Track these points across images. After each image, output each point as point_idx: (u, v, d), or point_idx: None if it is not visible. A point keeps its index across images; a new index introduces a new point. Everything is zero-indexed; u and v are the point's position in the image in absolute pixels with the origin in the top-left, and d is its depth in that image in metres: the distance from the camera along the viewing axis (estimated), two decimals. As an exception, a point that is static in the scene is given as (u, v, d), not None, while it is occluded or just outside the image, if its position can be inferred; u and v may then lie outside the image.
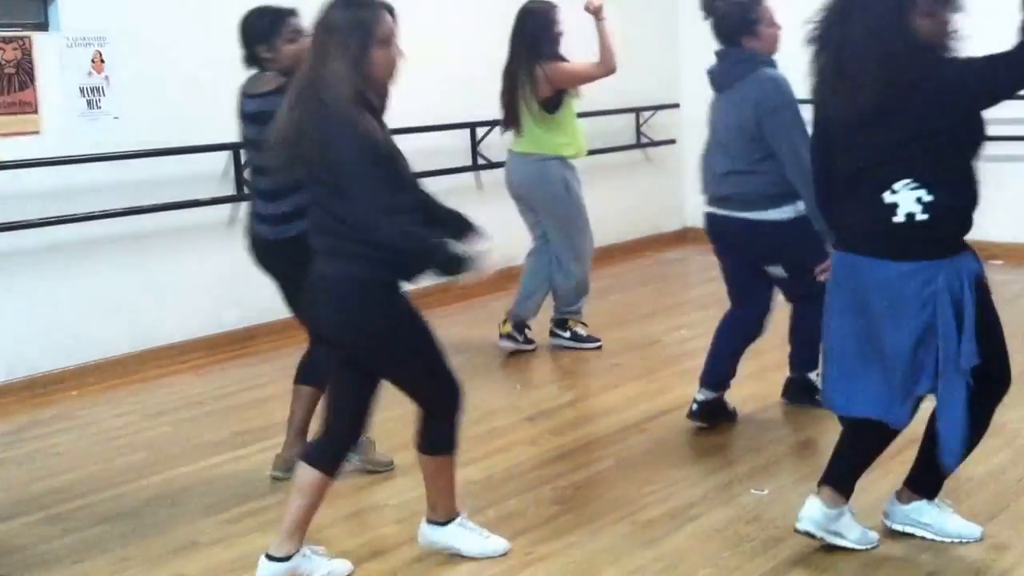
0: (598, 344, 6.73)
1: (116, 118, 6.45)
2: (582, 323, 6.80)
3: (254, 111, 4.67)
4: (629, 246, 9.47)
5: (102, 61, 6.38)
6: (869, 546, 3.92)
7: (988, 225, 4.27)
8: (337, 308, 3.66)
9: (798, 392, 5.42)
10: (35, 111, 6.09)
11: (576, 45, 6.59)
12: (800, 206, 4.87)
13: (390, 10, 3.64)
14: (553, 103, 6.43)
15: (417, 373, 3.80)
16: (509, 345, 6.69)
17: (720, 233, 5.14)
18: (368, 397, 3.81)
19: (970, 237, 3.63)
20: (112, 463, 5.06)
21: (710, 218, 5.14)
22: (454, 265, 3.59)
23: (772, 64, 5.01)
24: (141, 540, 4.28)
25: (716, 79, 5.16)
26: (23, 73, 6.03)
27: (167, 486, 4.82)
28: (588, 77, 6.49)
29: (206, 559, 4.09)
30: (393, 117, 3.71)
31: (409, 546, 4.09)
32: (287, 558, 3.75)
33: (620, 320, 7.29)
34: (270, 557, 3.76)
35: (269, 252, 4.71)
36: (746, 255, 5.14)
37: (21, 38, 6.02)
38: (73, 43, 6.25)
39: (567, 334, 6.75)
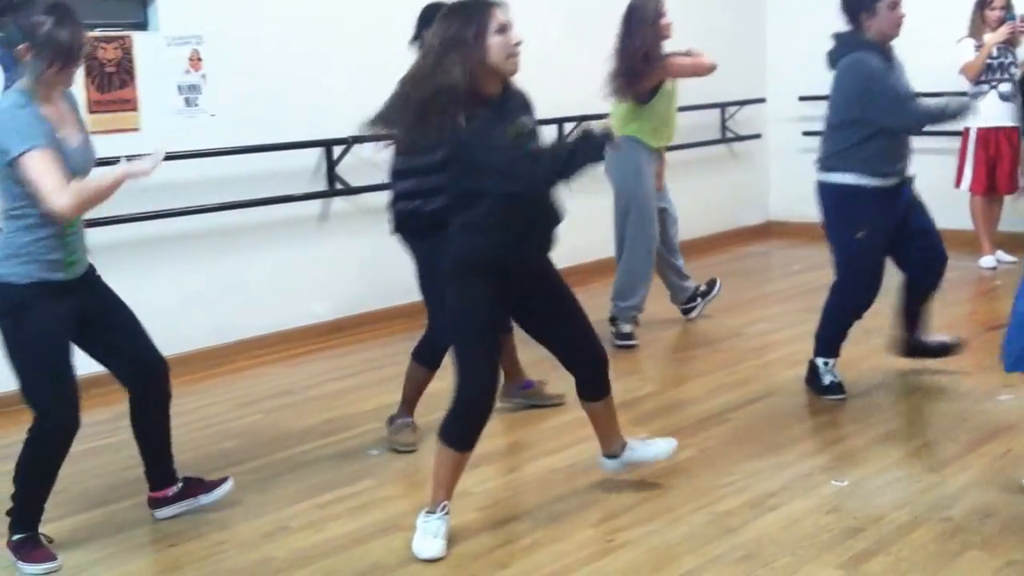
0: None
1: (212, 115, 6.63)
2: (633, 321, 6.79)
3: None
4: (713, 240, 9.48)
5: (199, 59, 6.56)
6: None
7: None
8: None
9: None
10: (135, 108, 6.28)
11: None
12: (842, 176, 5.28)
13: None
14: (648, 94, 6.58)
15: None
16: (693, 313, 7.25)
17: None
18: None
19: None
20: (205, 451, 5.22)
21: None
22: None
23: (869, 48, 5.27)
24: (233, 525, 4.42)
25: (829, 59, 5.48)
26: (123, 72, 6.22)
27: (258, 473, 4.95)
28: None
29: (295, 543, 4.21)
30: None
31: (491, 533, 4.21)
32: (615, 455, 4.51)
33: (703, 312, 7.32)
34: (606, 456, 4.53)
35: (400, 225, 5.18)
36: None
37: (121, 38, 6.22)
38: (171, 42, 6.44)
39: (612, 329, 6.75)
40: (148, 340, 4.35)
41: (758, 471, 4.66)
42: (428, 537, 4.03)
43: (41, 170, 3.79)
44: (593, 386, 4.38)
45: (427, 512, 4.08)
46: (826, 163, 5.37)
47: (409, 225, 5.01)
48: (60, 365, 4.07)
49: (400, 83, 4.08)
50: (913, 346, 5.74)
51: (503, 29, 3.82)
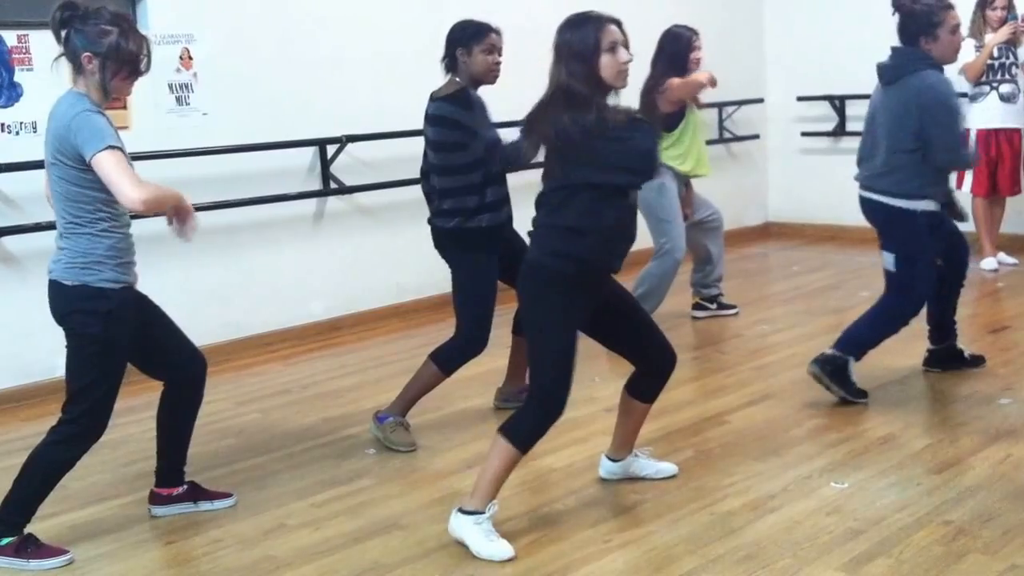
0: None
1: (205, 114, 6.62)
2: None
3: (430, 113, 5.04)
4: (711, 241, 9.48)
5: (190, 58, 6.53)
6: None
7: None
8: None
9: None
10: (124, 107, 6.21)
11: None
12: (928, 204, 5.26)
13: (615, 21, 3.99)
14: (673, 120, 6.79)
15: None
16: (702, 314, 7.35)
17: (866, 214, 5.51)
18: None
19: None
20: (204, 448, 5.18)
21: (860, 200, 5.49)
22: None
23: (938, 68, 5.27)
24: (232, 523, 4.40)
25: (885, 74, 5.40)
26: (114, 70, 6.18)
27: (257, 471, 4.95)
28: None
29: (294, 541, 4.20)
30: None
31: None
32: (619, 460, 4.59)
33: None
34: (610, 458, 4.60)
35: (440, 240, 5.14)
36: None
37: (113, 36, 6.18)
38: (161, 40, 6.38)
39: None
40: (191, 342, 4.41)
41: (758, 472, 4.64)
42: (494, 538, 3.99)
43: (116, 166, 3.88)
44: (654, 387, 4.46)
45: (476, 513, 4.01)
46: (907, 189, 5.26)
47: (451, 242, 5.07)
48: (122, 371, 4.15)
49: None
50: (949, 353, 5.85)
51: (614, 47, 3.90)
